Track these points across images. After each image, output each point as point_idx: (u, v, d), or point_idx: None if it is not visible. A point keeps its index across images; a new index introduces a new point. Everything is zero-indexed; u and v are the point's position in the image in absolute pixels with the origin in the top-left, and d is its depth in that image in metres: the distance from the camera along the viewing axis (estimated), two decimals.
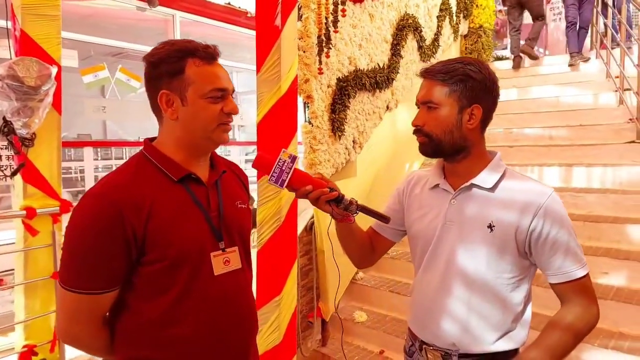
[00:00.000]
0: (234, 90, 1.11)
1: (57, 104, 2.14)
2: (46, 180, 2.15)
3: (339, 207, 1.15)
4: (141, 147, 1.12)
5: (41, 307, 2.14)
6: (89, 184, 5.66)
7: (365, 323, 3.27)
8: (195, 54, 1.04)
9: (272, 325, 2.28)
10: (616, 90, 4.47)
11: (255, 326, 1.23)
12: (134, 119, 7.43)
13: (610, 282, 2.82)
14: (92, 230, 0.97)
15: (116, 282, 1.01)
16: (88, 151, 5.75)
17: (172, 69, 1.04)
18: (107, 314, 1.07)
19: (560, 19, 8.45)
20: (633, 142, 3.77)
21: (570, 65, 5.46)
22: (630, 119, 3.96)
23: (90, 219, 0.98)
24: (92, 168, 5.87)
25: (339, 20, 3.17)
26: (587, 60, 5.37)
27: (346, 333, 3.24)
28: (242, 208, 1.21)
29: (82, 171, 6.48)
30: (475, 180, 1.16)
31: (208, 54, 1.06)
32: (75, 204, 2.40)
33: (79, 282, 0.99)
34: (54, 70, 2.06)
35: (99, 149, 7.33)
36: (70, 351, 2.48)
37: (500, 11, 7.91)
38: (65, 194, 2.24)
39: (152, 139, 1.13)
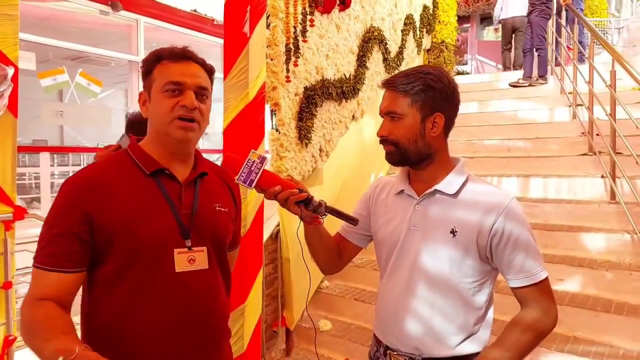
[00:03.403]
0: (203, 88, 1.12)
1: (12, 107, 2.06)
2: None
3: (308, 208, 1.15)
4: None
5: None
6: (45, 190, 5.43)
7: (329, 332, 3.26)
8: (163, 55, 1.11)
9: (236, 335, 2.24)
10: (570, 106, 4.70)
11: (225, 330, 1.22)
12: (93, 125, 7.20)
13: (565, 288, 2.93)
14: (54, 211, 1.04)
15: (65, 263, 1.01)
16: (44, 157, 5.53)
17: (145, 70, 1.13)
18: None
19: None
20: (585, 154, 3.96)
21: (511, 84, 5.74)
22: (583, 133, 4.16)
23: (55, 202, 1.05)
24: (48, 174, 5.64)
25: (307, 30, 3.19)
26: (533, 84, 5.62)
27: (311, 342, 3.23)
28: (221, 211, 1.21)
29: (37, 177, 6.22)
30: (438, 186, 1.19)
31: (174, 54, 1.11)
32: (30, 211, 2.30)
33: (38, 256, 1.02)
34: (10, 71, 1.98)
35: (55, 155, 7.07)
36: None
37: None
38: (18, 201, 2.14)
39: (140, 139, 1.19)
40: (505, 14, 6.61)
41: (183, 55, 1.12)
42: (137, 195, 1.07)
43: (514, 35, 6.69)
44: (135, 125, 2.55)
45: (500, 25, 6.80)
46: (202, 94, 1.12)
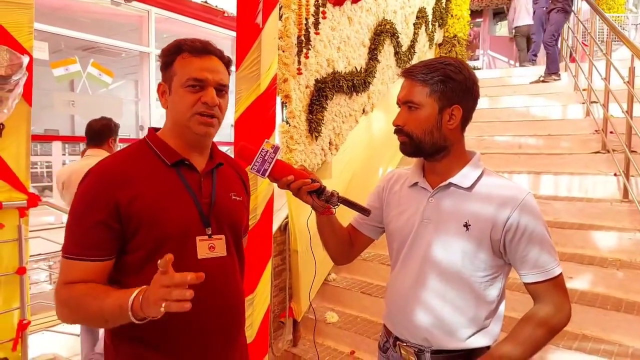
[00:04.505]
0: (223, 85, 1.14)
1: (27, 95, 2.08)
2: (13, 172, 2.08)
3: (320, 198, 1.16)
4: None
5: (4, 304, 2.07)
6: None
7: (336, 324, 3.28)
8: (184, 47, 1.11)
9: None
10: (583, 103, 4.65)
11: (242, 316, 1.26)
12: (105, 115, 7.25)
13: (574, 286, 2.91)
14: (81, 202, 1.06)
15: (98, 252, 1.04)
16: (56, 146, 5.59)
17: (165, 62, 1.13)
18: None
19: None
20: (598, 152, 3.92)
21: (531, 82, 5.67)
22: (596, 130, 4.11)
23: (80, 193, 1.06)
24: (60, 163, 5.70)
25: (319, 22, 3.18)
26: (546, 80, 5.58)
27: (317, 333, 3.25)
28: (237, 200, 1.24)
29: (48, 166, 6.29)
30: (453, 180, 1.18)
31: (195, 48, 1.11)
32: (43, 199, 2.33)
33: (69, 248, 1.05)
34: (25, 59, 2.00)
35: (67, 144, 7.14)
36: (34, 349, 2.40)
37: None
38: (31, 189, 2.17)
39: (158, 129, 1.20)
40: (517, 22, 6.71)
41: (205, 49, 1.12)
42: (160, 185, 1.09)
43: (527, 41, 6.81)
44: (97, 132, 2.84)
45: (514, 34, 6.86)
46: (222, 89, 1.14)
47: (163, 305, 0.85)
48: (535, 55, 6.40)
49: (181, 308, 0.85)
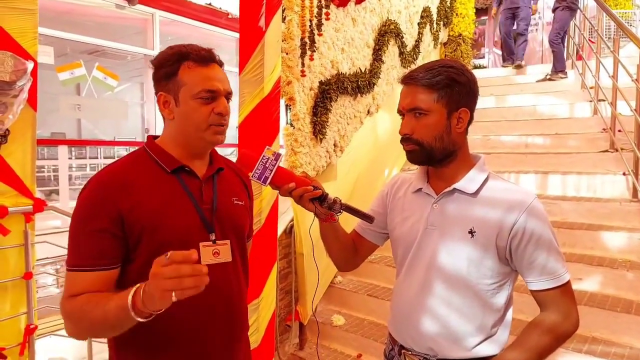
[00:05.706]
0: (230, 93, 1.14)
1: (32, 101, 2.09)
2: (19, 178, 2.08)
3: (323, 205, 1.14)
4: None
5: (11, 309, 2.07)
6: (63, 183, 5.53)
7: (343, 327, 3.26)
8: (189, 56, 1.09)
9: (251, 328, 2.25)
10: (591, 101, 4.60)
11: (245, 321, 1.25)
12: (110, 118, 7.29)
13: (583, 287, 2.88)
14: (83, 211, 1.04)
15: (101, 261, 1.02)
16: (62, 150, 5.61)
17: (167, 72, 1.10)
18: None
19: (536, 30, 8.81)
20: (606, 151, 3.88)
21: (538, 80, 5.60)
22: (604, 129, 4.07)
23: (82, 201, 1.05)
24: (66, 167, 5.73)
25: (322, 24, 3.17)
26: (553, 78, 5.52)
27: (324, 337, 3.24)
28: (239, 204, 1.23)
29: (55, 170, 6.33)
30: (457, 185, 1.16)
31: (201, 57, 1.10)
32: (49, 203, 2.34)
33: (72, 260, 1.03)
34: (30, 65, 2.00)
35: (73, 148, 7.18)
36: (41, 354, 2.40)
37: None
38: (37, 194, 2.17)
39: (156, 137, 1.19)
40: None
41: (210, 58, 1.12)
42: (160, 192, 1.09)
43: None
44: None
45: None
46: (229, 98, 1.14)
47: (174, 294, 0.81)
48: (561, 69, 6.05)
49: (197, 290, 0.81)
